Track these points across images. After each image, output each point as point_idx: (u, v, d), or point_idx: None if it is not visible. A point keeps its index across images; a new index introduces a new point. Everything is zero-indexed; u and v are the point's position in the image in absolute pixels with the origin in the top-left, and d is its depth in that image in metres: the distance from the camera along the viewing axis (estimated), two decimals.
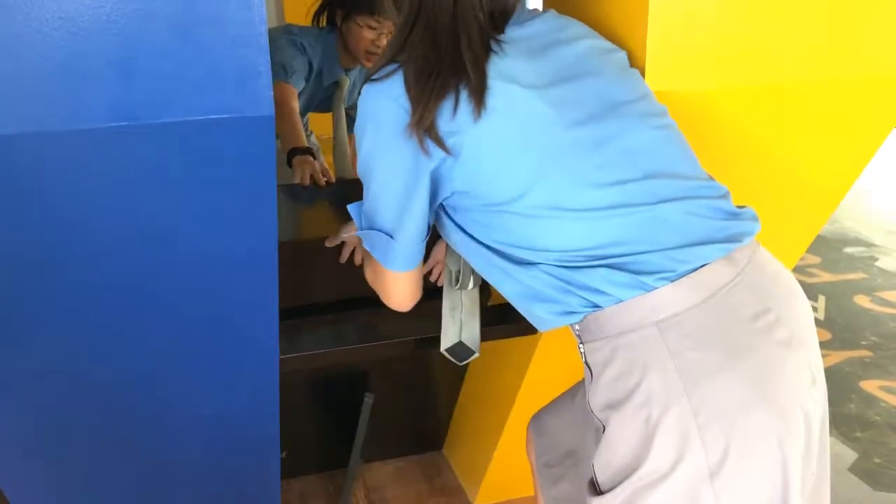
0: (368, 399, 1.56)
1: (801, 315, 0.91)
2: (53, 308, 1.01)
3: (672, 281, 0.85)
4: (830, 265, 3.33)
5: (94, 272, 0.98)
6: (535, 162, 0.88)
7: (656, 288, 0.85)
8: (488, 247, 0.94)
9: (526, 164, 0.88)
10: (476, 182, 0.90)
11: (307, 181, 1.66)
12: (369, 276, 1.08)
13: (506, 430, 1.66)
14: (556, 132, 0.88)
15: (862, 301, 2.99)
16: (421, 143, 0.87)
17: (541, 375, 1.54)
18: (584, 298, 0.89)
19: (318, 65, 1.96)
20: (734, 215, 0.92)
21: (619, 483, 0.86)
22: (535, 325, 1.00)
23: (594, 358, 0.91)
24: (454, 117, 0.86)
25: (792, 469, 0.82)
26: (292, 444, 1.68)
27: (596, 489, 0.93)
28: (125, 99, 0.78)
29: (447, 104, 0.86)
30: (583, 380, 1.21)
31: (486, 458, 1.77)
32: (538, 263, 0.90)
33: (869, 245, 3.56)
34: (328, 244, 1.34)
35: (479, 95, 0.86)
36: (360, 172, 0.95)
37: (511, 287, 0.96)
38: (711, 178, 0.96)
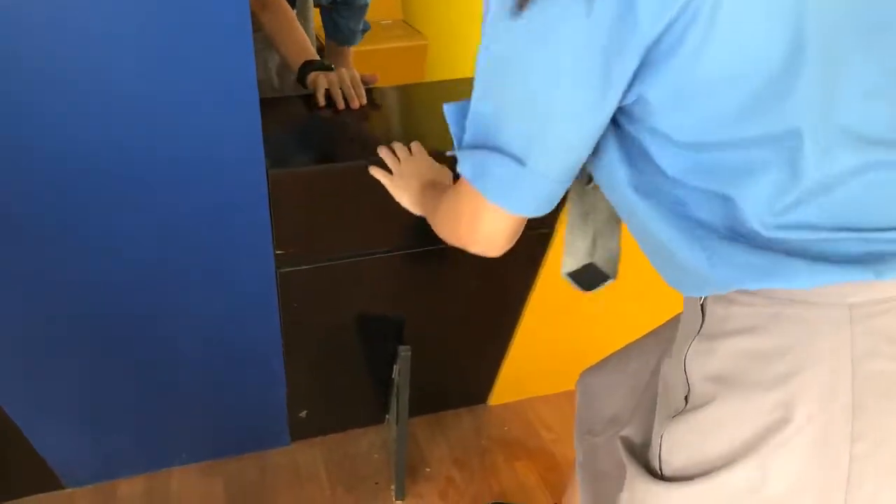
0: (405, 352, 1.33)
1: None
2: (32, 195, 0.98)
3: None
4: None
5: (73, 145, 0.94)
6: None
7: None
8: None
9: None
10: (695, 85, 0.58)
11: (323, 100, 1.25)
12: (442, 210, 0.78)
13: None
14: None
15: None
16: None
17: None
18: None
19: None
20: None
21: (701, 474, 0.65)
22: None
23: (728, 311, 0.65)
24: None
25: None
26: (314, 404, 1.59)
27: (657, 471, 0.71)
28: None
29: None
30: (641, 340, 0.99)
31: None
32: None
33: None
34: (374, 172, 1.04)
35: None
36: (484, 60, 0.62)
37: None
38: None
